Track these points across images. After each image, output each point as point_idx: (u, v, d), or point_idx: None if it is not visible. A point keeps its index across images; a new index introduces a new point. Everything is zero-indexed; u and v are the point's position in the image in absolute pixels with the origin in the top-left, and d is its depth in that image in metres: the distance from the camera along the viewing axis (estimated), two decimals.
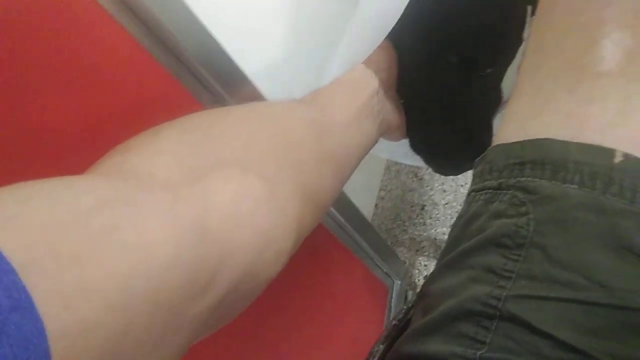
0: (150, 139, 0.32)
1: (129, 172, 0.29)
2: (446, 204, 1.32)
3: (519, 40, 0.54)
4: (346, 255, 0.93)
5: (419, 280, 1.24)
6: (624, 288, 0.28)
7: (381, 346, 0.47)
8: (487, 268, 0.33)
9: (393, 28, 0.48)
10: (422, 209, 1.35)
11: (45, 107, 0.38)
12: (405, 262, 1.26)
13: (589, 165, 0.31)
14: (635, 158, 0.30)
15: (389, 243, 1.31)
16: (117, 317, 0.20)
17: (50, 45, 0.37)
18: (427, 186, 1.38)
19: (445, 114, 0.56)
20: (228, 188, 0.31)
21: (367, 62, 0.53)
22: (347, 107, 0.49)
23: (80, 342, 0.19)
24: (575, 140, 0.32)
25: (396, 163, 1.46)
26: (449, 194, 1.33)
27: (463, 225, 0.37)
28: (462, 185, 1.32)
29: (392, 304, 1.12)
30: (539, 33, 0.38)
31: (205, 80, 0.50)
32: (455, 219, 0.40)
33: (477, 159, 0.40)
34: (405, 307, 0.50)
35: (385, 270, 1.09)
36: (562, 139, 0.32)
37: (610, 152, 0.30)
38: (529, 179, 0.33)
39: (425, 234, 1.30)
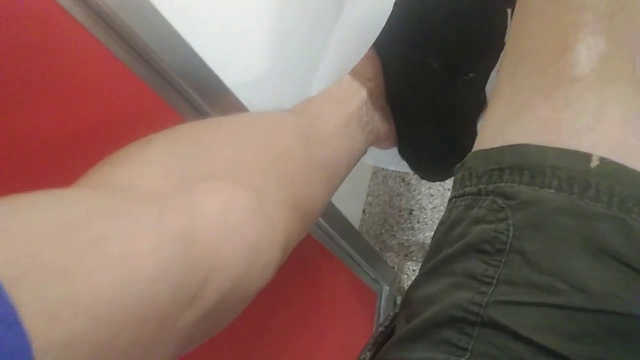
0: (139, 150, 0.32)
1: (117, 184, 0.29)
2: (434, 208, 1.32)
3: (501, 44, 0.54)
4: (334, 263, 0.92)
5: (407, 285, 1.23)
6: (603, 292, 0.28)
7: (368, 353, 0.47)
8: (468, 274, 0.33)
9: (377, 37, 0.49)
10: (410, 213, 1.35)
11: (24, 123, 0.38)
12: (393, 268, 1.26)
13: (566, 170, 0.31)
14: (611, 162, 0.30)
15: (377, 248, 1.31)
16: (103, 330, 0.20)
17: (24, 61, 0.37)
18: (414, 191, 1.39)
19: (431, 120, 0.57)
20: (216, 199, 0.31)
21: (354, 73, 0.54)
22: (337, 118, 0.50)
23: (66, 355, 0.19)
24: (552, 145, 0.32)
25: (383, 169, 1.46)
26: (437, 198, 1.34)
27: (444, 231, 0.37)
28: (449, 189, 1.32)
29: (381, 310, 1.12)
30: (515, 38, 0.38)
31: (185, 92, 0.50)
32: (439, 222, 0.40)
33: (458, 165, 0.40)
34: (392, 313, 0.50)
35: (373, 277, 1.09)
36: (539, 143, 0.33)
37: (586, 157, 0.31)
38: (508, 184, 0.33)
39: (413, 238, 1.31)
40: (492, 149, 0.35)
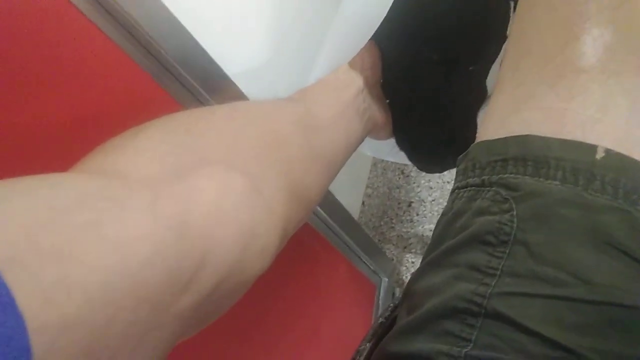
0: (134, 137, 0.32)
1: (111, 170, 0.29)
2: (433, 200, 1.32)
3: (502, 37, 0.54)
4: (333, 254, 0.92)
5: (406, 277, 1.24)
6: (608, 284, 0.28)
7: (368, 344, 0.47)
8: (471, 266, 0.33)
9: (377, 28, 0.48)
10: (409, 205, 1.35)
11: (23, 110, 0.37)
12: (392, 259, 1.26)
13: (570, 161, 0.31)
14: (617, 154, 0.30)
15: (376, 240, 1.31)
16: (98, 312, 0.20)
17: (23, 48, 0.37)
18: (413, 183, 1.39)
19: (430, 111, 0.56)
20: (211, 185, 0.31)
21: (352, 63, 0.54)
22: (333, 105, 0.49)
23: (61, 337, 0.19)
24: (556, 136, 0.32)
25: (382, 160, 1.46)
26: (436, 191, 1.34)
27: (447, 223, 0.37)
28: (448, 182, 1.33)
29: (380, 301, 1.12)
30: (520, 29, 0.38)
31: (186, 81, 0.50)
32: (441, 214, 0.40)
33: (460, 156, 0.40)
34: (391, 304, 0.50)
35: (372, 268, 1.09)
36: (543, 135, 0.32)
37: (591, 148, 0.30)
38: (512, 175, 0.33)
39: (412, 230, 1.31)
40: (495, 139, 0.35)
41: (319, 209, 0.81)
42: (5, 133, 0.37)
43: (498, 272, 0.31)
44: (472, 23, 0.52)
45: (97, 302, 0.20)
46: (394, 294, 1.17)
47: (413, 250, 1.28)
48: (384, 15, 0.47)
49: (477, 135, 0.39)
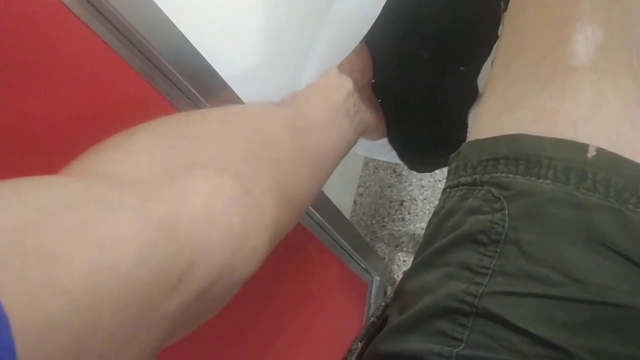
0: (124, 140, 0.32)
1: (102, 172, 0.28)
2: (424, 199, 1.33)
3: (493, 37, 0.54)
4: (325, 252, 0.92)
5: (398, 275, 1.24)
6: (599, 283, 0.28)
7: (359, 343, 0.47)
8: (462, 265, 0.33)
9: (368, 31, 0.48)
10: (401, 204, 1.35)
11: (13, 110, 0.37)
12: (384, 258, 1.26)
13: (562, 160, 0.31)
14: (608, 152, 0.30)
15: (368, 239, 1.31)
16: (84, 314, 0.20)
17: (13, 48, 0.36)
18: (405, 182, 1.39)
19: (421, 111, 0.57)
20: (201, 187, 0.30)
21: (341, 65, 0.54)
22: (323, 108, 0.50)
23: (46, 338, 0.19)
24: (548, 135, 0.32)
25: (374, 159, 1.46)
26: (427, 190, 1.34)
27: (438, 222, 0.37)
28: (439, 181, 1.33)
29: (372, 300, 1.12)
30: (511, 28, 0.38)
31: (178, 82, 0.50)
32: (433, 213, 0.40)
33: (452, 155, 0.39)
34: (383, 303, 0.50)
35: (364, 267, 1.09)
36: (535, 134, 0.32)
37: (583, 147, 0.30)
38: (503, 174, 0.33)
39: (404, 229, 1.31)
40: (487, 138, 0.35)
41: (311, 208, 0.81)
42: None
43: (489, 272, 0.31)
44: (463, 23, 0.52)
45: (82, 303, 0.20)
46: (385, 292, 1.17)
47: (404, 249, 1.28)
48: (375, 17, 0.47)
49: (468, 134, 0.39)
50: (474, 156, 0.36)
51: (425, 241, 0.38)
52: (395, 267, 1.26)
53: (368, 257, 1.08)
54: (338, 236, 0.92)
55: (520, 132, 0.33)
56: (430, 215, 0.40)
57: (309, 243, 0.86)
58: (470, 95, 0.58)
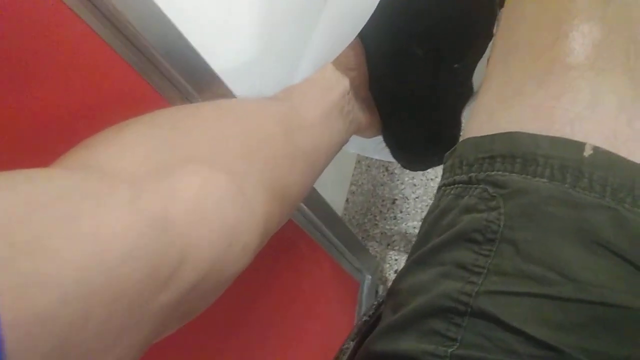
0: (117, 134, 0.32)
1: (93, 165, 0.28)
2: (417, 197, 1.33)
3: (489, 35, 0.54)
4: (316, 251, 0.92)
5: (389, 274, 1.24)
6: (595, 282, 0.28)
7: (352, 343, 0.47)
8: (457, 264, 0.32)
9: (363, 27, 0.48)
10: (393, 203, 1.35)
11: (4, 104, 0.36)
12: (376, 257, 1.26)
13: (558, 158, 0.30)
14: (605, 151, 0.30)
15: (360, 237, 1.31)
16: (73, 308, 0.20)
17: (6, 42, 0.36)
18: (397, 180, 1.39)
19: (414, 109, 0.56)
20: (193, 182, 0.30)
21: (337, 62, 0.53)
22: (318, 105, 0.49)
23: (35, 332, 0.18)
24: (545, 134, 0.32)
25: (367, 157, 1.46)
26: (420, 188, 1.34)
27: (433, 220, 0.37)
28: (432, 179, 1.33)
29: (363, 299, 1.12)
30: (508, 25, 0.38)
31: (172, 77, 0.49)
32: (426, 212, 0.40)
33: (447, 152, 0.39)
34: (375, 302, 0.50)
35: (356, 265, 1.09)
36: (531, 132, 0.32)
37: (579, 146, 0.30)
38: (499, 172, 0.33)
39: (396, 228, 1.31)
40: (483, 136, 0.35)
41: (303, 205, 0.81)
42: None
43: (485, 271, 0.31)
44: (458, 20, 0.52)
45: (72, 297, 0.20)
46: (377, 291, 1.17)
47: (396, 248, 1.28)
48: (371, 12, 0.47)
49: (464, 131, 0.39)
50: (470, 154, 0.36)
51: (420, 239, 0.38)
52: (387, 265, 1.26)
53: (360, 256, 1.08)
54: (330, 234, 0.92)
55: (516, 130, 0.33)
56: (423, 213, 0.40)
57: (300, 241, 0.86)
58: (464, 93, 0.58)
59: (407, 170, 1.37)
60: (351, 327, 0.48)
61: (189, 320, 0.32)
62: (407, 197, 1.34)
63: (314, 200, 0.83)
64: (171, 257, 0.26)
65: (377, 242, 1.31)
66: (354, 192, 1.43)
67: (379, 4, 0.46)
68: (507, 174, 0.32)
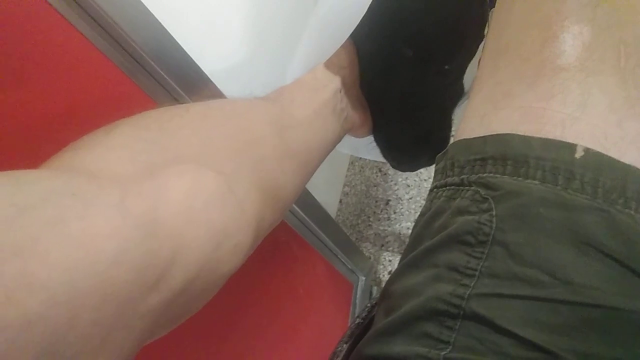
0: (104, 135, 0.31)
1: (81, 167, 0.28)
2: (410, 198, 1.33)
3: (479, 36, 0.54)
4: (310, 252, 0.92)
5: (383, 275, 1.24)
6: (587, 284, 0.28)
7: (345, 345, 0.46)
8: (450, 266, 0.32)
9: (355, 27, 0.48)
10: (387, 204, 1.35)
11: None
12: (370, 258, 1.26)
13: (550, 160, 0.30)
14: (596, 152, 0.30)
15: (353, 239, 1.31)
16: (60, 310, 0.20)
17: None
18: (391, 181, 1.39)
19: (405, 109, 0.56)
20: (182, 183, 0.30)
21: (329, 62, 0.53)
22: (309, 104, 0.49)
23: (22, 335, 0.18)
24: (536, 135, 0.31)
25: (360, 158, 1.46)
26: (413, 189, 1.34)
27: (425, 222, 0.36)
28: (425, 180, 1.33)
29: (357, 300, 1.12)
30: (498, 27, 0.38)
31: (162, 79, 0.49)
32: (419, 213, 0.39)
33: (439, 154, 0.39)
34: (369, 304, 0.50)
35: (349, 267, 1.09)
36: (523, 133, 0.32)
37: (571, 147, 0.30)
38: (491, 174, 0.33)
39: (389, 228, 1.31)
40: (474, 138, 0.35)
41: (295, 207, 0.81)
42: None
43: (477, 273, 0.31)
44: (449, 21, 0.52)
45: (59, 299, 0.20)
46: (371, 292, 1.17)
47: (390, 249, 1.28)
48: (363, 13, 0.47)
49: (455, 133, 0.39)
50: (462, 156, 0.35)
51: (412, 242, 0.38)
52: (381, 267, 1.26)
53: (353, 257, 1.08)
54: (323, 236, 0.91)
55: (507, 132, 0.33)
56: (416, 214, 0.39)
57: (294, 243, 0.86)
58: (455, 94, 0.58)
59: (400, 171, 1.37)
60: (345, 329, 0.48)
61: (181, 322, 0.32)
62: (400, 198, 1.34)
63: (306, 202, 0.83)
64: (160, 258, 0.26)
65: (371, 243, 1.31)
66: (347, 193, 1.43)
67: (370, 5, 0.46)
68: (498, 176, 0.32)
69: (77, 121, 0.42)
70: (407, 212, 1.30)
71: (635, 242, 0.28)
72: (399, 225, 1.30)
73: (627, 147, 0.30)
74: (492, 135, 0.34)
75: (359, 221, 1.35)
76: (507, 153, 0.32)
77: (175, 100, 0.51)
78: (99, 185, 0.26)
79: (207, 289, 0.32)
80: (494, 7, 0.41)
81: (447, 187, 0.36)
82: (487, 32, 0.43)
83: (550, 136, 0.31)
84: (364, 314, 0.49)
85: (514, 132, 0.32)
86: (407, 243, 0.39)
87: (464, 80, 0.58)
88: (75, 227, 0.22)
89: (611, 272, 0.28)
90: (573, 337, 0.28)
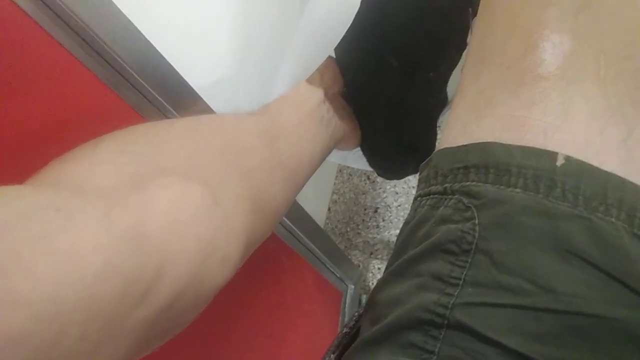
0: (90, 150, 0.31)
1: (67, 182, 0.28)
2: (399, 206, 1.33)
3: (463, 44, 0.54)
4: (298, 262, 0.92)
5: (372, 283, 1.24)
6: (569, 292, 0.28)
7: (332, 355, 0.46)
8: (434, 275, 0.32)
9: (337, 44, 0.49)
10: (375, 211, 1.35)
11: None
12: (359, 266, 1.26)
13: (532, 168, 0.31)
14: (577, 160, 0.30)
15: (342, 247, 1.31)
16: (45, 327, 0.20)
17: None
18: (379, 189, 1.39)
19: (390, 118, 0.57)
20: (168, 196, 0.30)
21: (311, 78, 0.54)
22: (295, 116, 0.50)
23: (7, 352, 0.18)
24: (518, 144, 0.32)
25: (348, 166, 1.46)
26: (402, 196, 1.34)
27: (409, 231, 0.37)
28: (413, 187, 1.33)
29: (346, 309, 1.11)
30: (480, 35, 0.38)
31: (149, 94, 0.48)
32: (404, 221, 0.40)
33: (423, 163, 0.39)
34: (356, 313, 0.49)
35: (338, 275, 1.09)
36: (505, 142, 0.32)
37: (552, 155, 0.30)
38: (474, 183, 0.33)
39: (378, 236, 1.31)
40: (457, 147, 0.35)
41: (283, 217, 0.80)
42: None
43: (460, 282, 0.31)
44: (432, 28, 0.52)
45: (44, 316, 0.20)
46: (360, 301, 1.17)
47: (379, 257, 1.28)
48: (345, 29, 0.47)
49: (439, 142, 0.39)
50: (445, 164, 0.36)
51: (397, 250, 0.38)
52: (370, 275, 1.25)
53: (342, 266, 1.08)
54: (311, 245, 0.91)
55: (489, 140, 0.33)
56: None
57: (282, 252, 0.85)
58: (439, 102, 0.58)
59: None
60: (334, 338, 0.47)
61: (170, 337, 0.31)
62: (389, 206, 1.34)
63: (294, 211, 0.83)
64: (147, 272, 0.26)
65: (360, 251, 1.31)
66: (336, 201, 1.42)
67: (353, 19, 0.47)
68: (481, 184, 0.32)
69: (61, 135, 0.41)
70: (395, 220, 1.30)
71: (617, 250, 0.28)
72: (388, 232, 1.30)
73: (607, 155, 0.30)
74: (474, 143, 0.34)
75: (348, 229, 1.35)
76: (489, 161, 0.32)
77: (162, 114, 0.51)
78: (84, 199, 0.26)
79: (196, 303, 0.32)
80: (476, 15, 0.42)
81: (431, 196, 0.36)
82: (470, 40, 0.43)
83: (532, 144, 0.31)
84: (351, 324, 0.48)
85: (496, 141, 0.33)
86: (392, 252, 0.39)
87: (448, 89, 0.58)
88: (60, 242, 0.22)
89: (593, 279, 0.28)
90: (557, 345, 0.28)
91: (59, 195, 0.25)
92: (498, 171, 0.32)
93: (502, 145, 0.32)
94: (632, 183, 0.29)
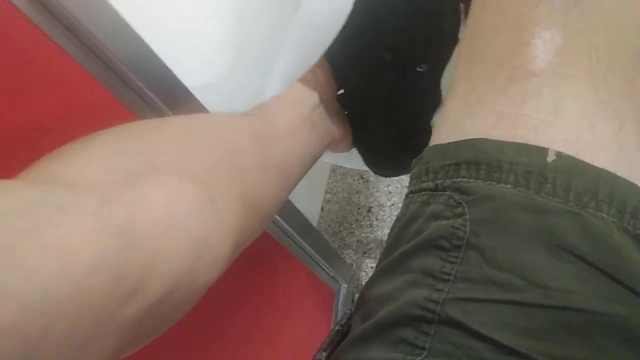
0: (84, 146, 0.31)
1: (58, 177, 0.28)
2: (392, 205, 1.33)
3: (454, 39, 0.54)
4: (291, 261, 0.91)
5: (365, 282, 1.24)
6: (560, 287, 0.28)
7: (324, 353, 0.46)
8: (425, 271, 0.32)
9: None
10: (369, 211, 1.35)
11: None
12: (352, 265, 1.26)
13: (522, 165, 0.31)
14: (568, 156, 0.30)
15: (335, 246, 1.31)
16: (34, 320, 0.20)
17: None
18: (373, 188, 1.39)
19: (385, 116, 0.57)
20: (161, 193, 0.30)
21: (304, 79, 0.54)
22: (289, 118, 0.50)
23: None
24: (509, 140, 0.32)
25: (342, 166, 1.46)
26: (395, 195, 1.34)
27: (401, 227, 0.37)
28: (407, 187, 1.33)
29: (339, 308, 1.11)
30: (472, 32, 0.38)
31: (143, 93, 0.48)
32: (396, 218, 0.40)
33: (414, 160, 0.39)
34: (348, 311, 0.49)
35: (331, 274, 1.09)
36: (496, 138, 0.32)
37: (543, 151, 0.30)
38: (465, 179, 0.33)
39: (372, 235, 1.31)
40: (449, 143, 0.35)
41: (276, 215, 0.80)
42: None
43: (451, 278, 0.31)
44: (422, 21, 0.53)
45: (34, 309, 0.20)
46: (353, 299, 1.17)
47: (372, 256, 1.28)
48: (338, 28, 0.47)
49: (431, 138, 0.39)
50: (436, 161, 0.36)
51: (388, 247, 0.38)
52: (363, 274, 1.25)
53: (335, 265, 1.08)
54: (304, 244, 0.91)
55: (481, 137, 0.33)
56: None
57: (275, 251, 0.85)
58: (433, 99, 0.58)
59: (383, 178, 1.38)
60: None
61: (160, 333, 0.31)
62: (382, 205, 1.34)
63: (288, 210, 0.83)
64: (137, 268, 0.26)
65: (353, 250, 1.31)
66: (329, 201, 1.42)
67: (346, 21, 0.47)
68: (472, 180, 0.32)
69: (55, 132, 0.41)
70: (389, 219, 1.31)
71: (607, 245, 0.28)
72: (381, 232, 1.30)
73: (599, 150, 0.30)
74: (465, 140, 0.34)
75: (341, 228, 1.35)
76: (480, 158, 0.32)
77: (156, 113, 0.51)
78: (76, 194, 0.26)
79: (186, 300, 0.32)
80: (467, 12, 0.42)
81: (422, 192, 0.36)
82: (462, 36, 0.43)
83: (523, 141, 0.31)
84: (343, 321, 0.48)
85: (487, 137, 0.33)
86: (383, 248, 0.39)
87: (441, 88, 0.59)
88: (51, 236, 0.22)
89: (584, 275, 0.28)
90: (548, 340, 0.28)
91: (51, 191, 0.25)
92: (489, 167, 0.32)
93: (493, 141, 0.32)
94: (622, 178, 0.30)
